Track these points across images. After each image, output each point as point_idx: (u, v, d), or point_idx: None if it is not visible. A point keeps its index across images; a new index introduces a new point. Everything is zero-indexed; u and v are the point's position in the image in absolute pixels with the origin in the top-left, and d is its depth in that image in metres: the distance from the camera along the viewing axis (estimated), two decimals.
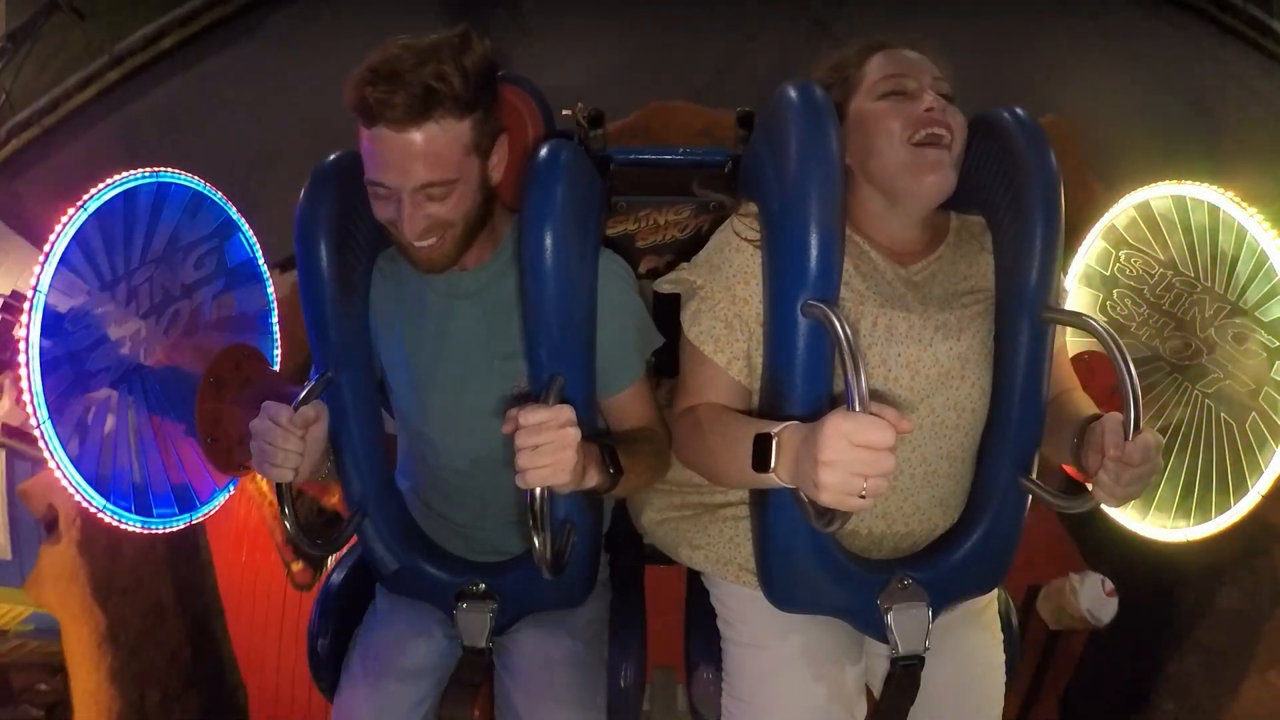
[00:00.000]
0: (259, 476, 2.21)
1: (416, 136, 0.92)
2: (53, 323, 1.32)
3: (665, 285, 1.12)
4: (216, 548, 2.26)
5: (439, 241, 1.00)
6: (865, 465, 0.74)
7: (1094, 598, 1.99)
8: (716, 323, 1.04)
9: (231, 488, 1.70)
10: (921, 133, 0.98)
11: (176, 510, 1.54)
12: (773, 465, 0.84)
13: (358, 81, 0.91)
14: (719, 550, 1.16)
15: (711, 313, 1.04)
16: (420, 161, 0.93)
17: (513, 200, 1.09)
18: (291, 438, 0.95)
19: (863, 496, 0.75)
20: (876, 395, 1.00)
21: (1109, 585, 2.00)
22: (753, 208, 1.05)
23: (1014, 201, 1.00)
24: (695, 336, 1.05)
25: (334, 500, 2.23)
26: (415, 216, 0.96)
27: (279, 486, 0.98)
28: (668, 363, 1.20)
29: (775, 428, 0.85)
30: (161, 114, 3.86)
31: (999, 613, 1.21)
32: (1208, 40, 4.00)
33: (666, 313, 1.16)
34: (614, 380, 1.13)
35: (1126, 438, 0.89)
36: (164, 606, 1.95)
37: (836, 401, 0.96)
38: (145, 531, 1.47)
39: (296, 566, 2.17)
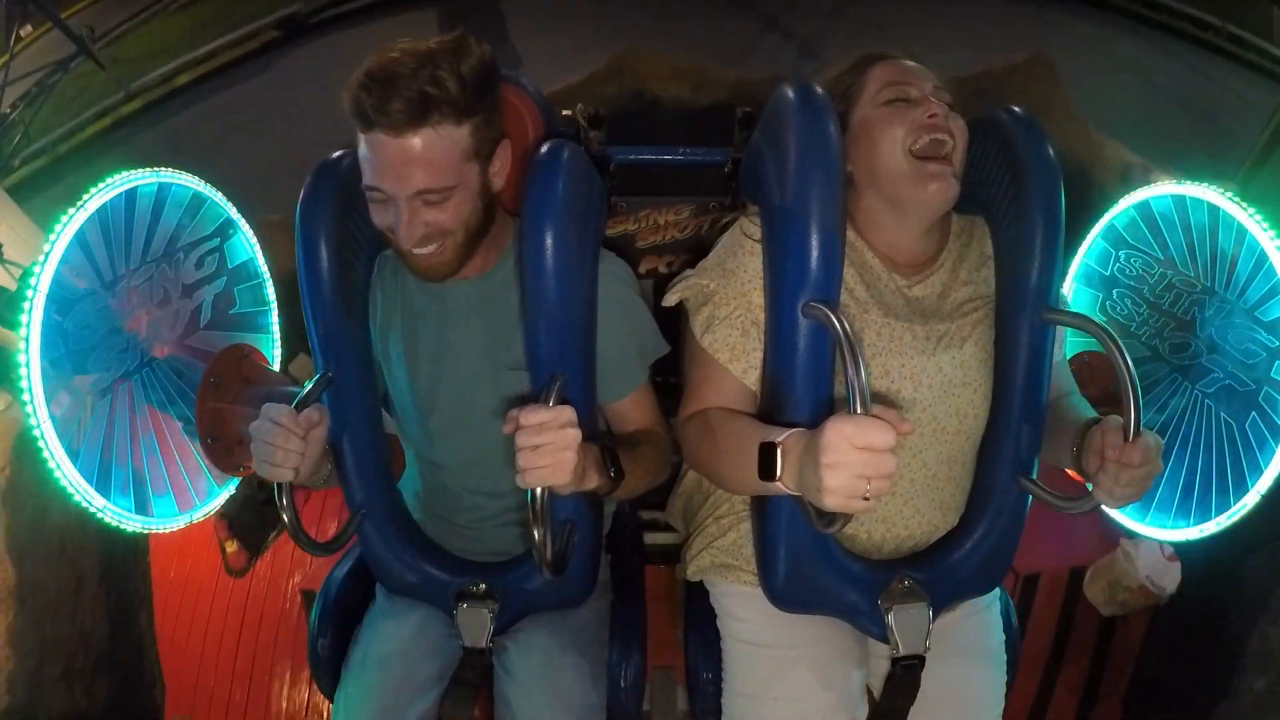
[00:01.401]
0: None
1: (413, 142, 0.91)
2: (54, 323, 1.32)
3: (673, 295, 1.10)
4: (154, 534, 2.22)
5: (438, 249, 0.99)
6: (867, 467, 0.74)
7: (1153, 563, 1.77)
8: (732, 331, 1.03)
9: (232, 487, 1.70)
10: (925, 139, 0.98)
11: (176, 509, 1.54)
12: (778, 474, 0.83)
13: (354, 86, 0.90)
14: (715, 556, 1.16)
15: (727, 320, 1.03)
16: (417, 167, 0.92)
17: (514, 205, 1.08)
18: (293, 438, 0.95)
19: (866, 498, 0.75)
20: (877, 397, 1.00)
21: (1168, 549, 1.78)
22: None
23: (1014, 201, 1.00)
24: (709, 344, 1.04)
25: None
26: (413, 223, 0.95)
27: (278, 486, 0.97)
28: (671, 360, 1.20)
29: (779, 436, 0.84)
30: (172, 141, 3.98)
31: (1000, 613, 1.21)
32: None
33: (664, 315, 1.16)
34: (616, 386, 1.12)
35: (1127, 439, 0.89)
36: (84, 581, 1.85)
37: (838, 403, 0.96)
38: (145, 531, 1.47)
39: (231, 548, 2.12)
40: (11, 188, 2.77)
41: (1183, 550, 1.76)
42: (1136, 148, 2.35)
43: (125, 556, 2.04)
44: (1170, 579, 1.77)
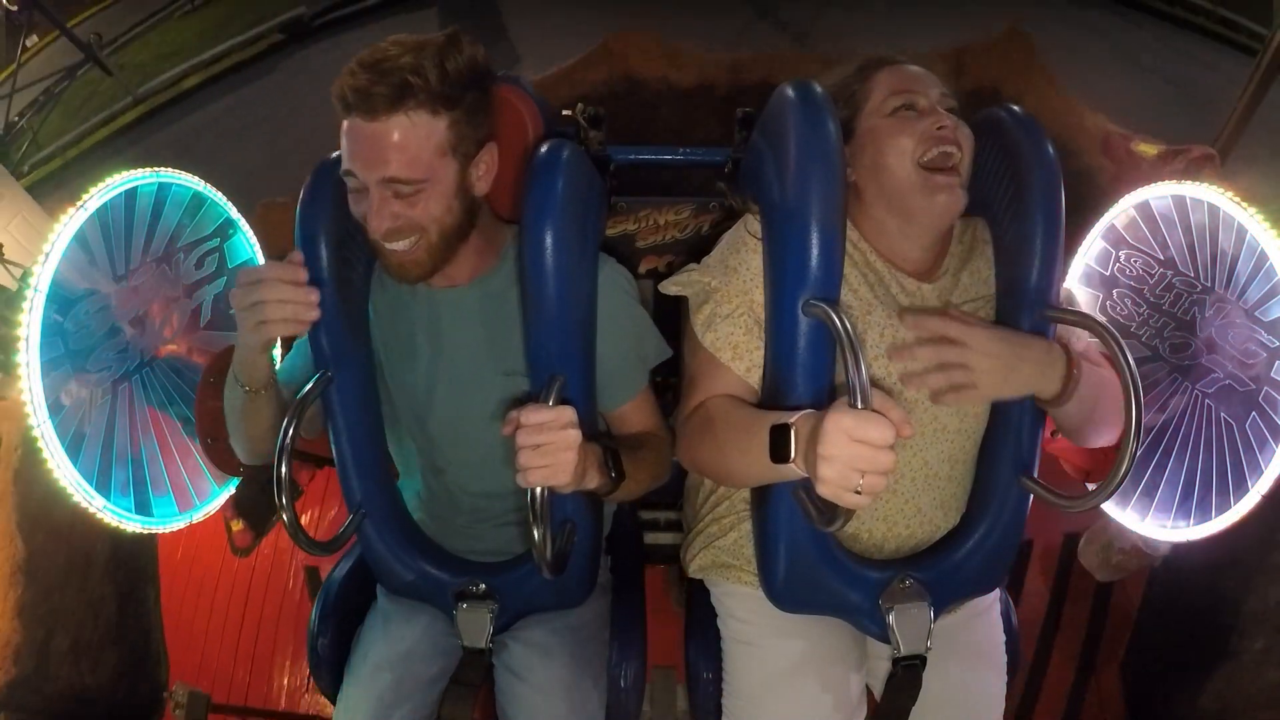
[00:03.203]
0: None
1: (387, 126, 0.91)
2: (53, 323, 1.32)
3: (673, 287, 1.09)
4: None
5: (410, 248, 0.98)
6: (863, 461, 0.74)
7: None
8: (735, 329, 1.02)
9: (232, 487, 1.70)
10: (934, 151, 0.97)
11: (176, 509, 1.54)
12: (793, 455, 0.83)
13: (343, 73, 0.92)
14: (715, 556, 1.16)
15: (730, 319, 1.02)
16: (389, 153, 0.91)
17: (512, 210, 1.08)
18: (284, 287, 0.94)
19: (859, 493, 0.75)
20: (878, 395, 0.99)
21: None
22: None
23: (1014, 201, 1.00)
24: (712, 343, 1.03)
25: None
26: (382, 212, 0.94)
27: (277, 484, 0.96)
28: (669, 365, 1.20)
29: (791, 418, 0.84)
30: (180, 144, 4.02)
31: (1000, 613, 1.21)
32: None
33: (664, 315, 1.16)
34: (618, 394, 1.12)
35: (1128, 438, 0.89)
36: (94, 558, 1.87)
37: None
38: (145, 531, 1.47)
39: (237, 526, 2.12)
40: None
41: None
42: (1118, 121, 2.33)
43: (135, 534, 2.08)
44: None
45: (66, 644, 1.76)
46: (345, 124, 0.93)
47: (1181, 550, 1.65)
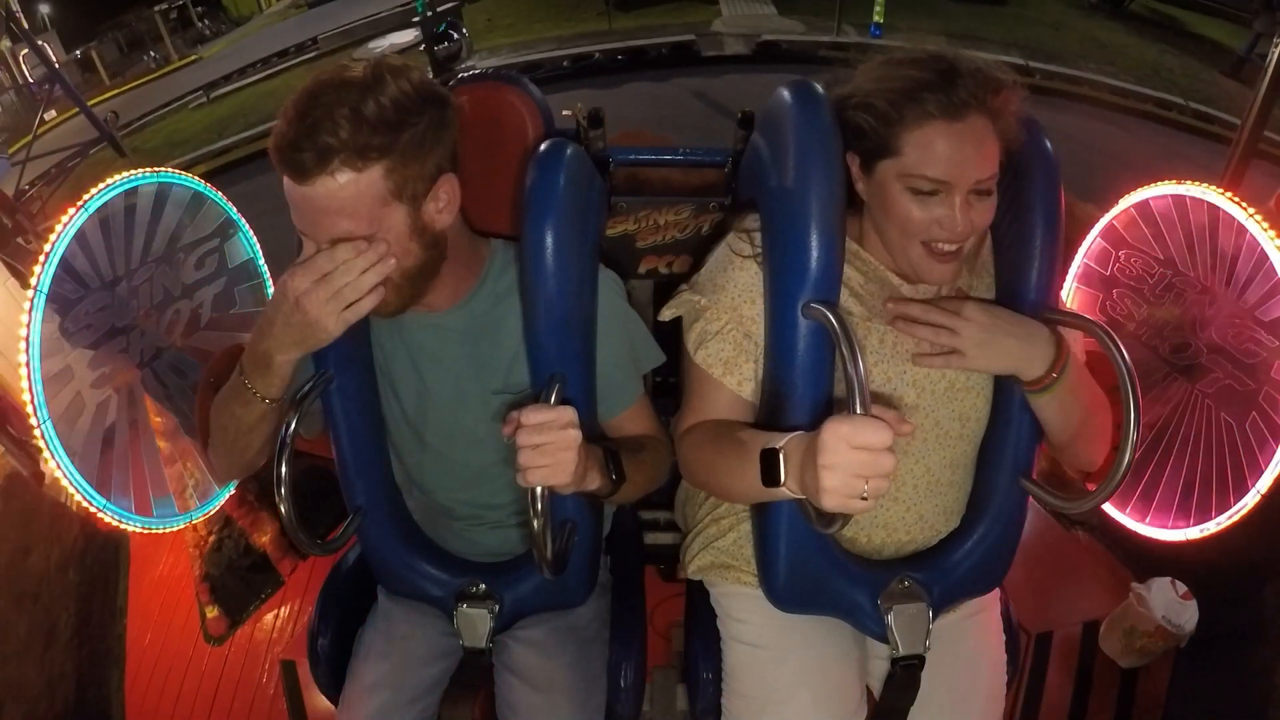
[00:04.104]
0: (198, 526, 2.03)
1: (316, 191, 0.84)
2: (54, 323, 1.32)
3: (668, 312, 1.10)
4: (134, 593, 2.13)
5: (374, 293, 0.91)
6: (865, 467, 0.74)
7: (1167, 602, 1.70)
8: (725, 345, 1.02)
9: (232, 487, 1.70)
10: (939, 244, 0.94)
11: (176, 510, 1.55)
12: (782, 479, 0.83)
13: (278, 115, 0.86)
14: (715, 556, 1.16)
15: (720, 335, 1.02)
16: (325, 216, 0.86)
17: (513, 197, 1.07)
18: (359, 261, 0.86)
19: (864, 498, 0.75)
20: (878, 398, 1.00)
21: (1181, 587, 1.72)
22: (749, 221, 1.04)
23: (1014, 203, 1.00)
24: (703, 360, 1.03)
25: (264, 540, 2.11)
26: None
27: (278, 482, 0.96)
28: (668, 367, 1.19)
29: (780, 441, 0.84)
30: None
31: (999, 613, 1.21)
32: None
33: (662, 331, 1.16)
34: (615, 403, 1.11)
35: (1127, 438, 0.89)
36: (58, 631, 1.78)
37: (838, 403, 0.96)
38: (145, 531, 1.47)
39: (212, 613, 2.02)
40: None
41: (1196, 586, 1.72)
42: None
43: (103, 612, 1.97)
44: (1188, 616, 1.71)
45: (19, 716, 1.67)
46: (285, 184, 0.87)
47: (1205, 625, 1.65)
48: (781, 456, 0.83)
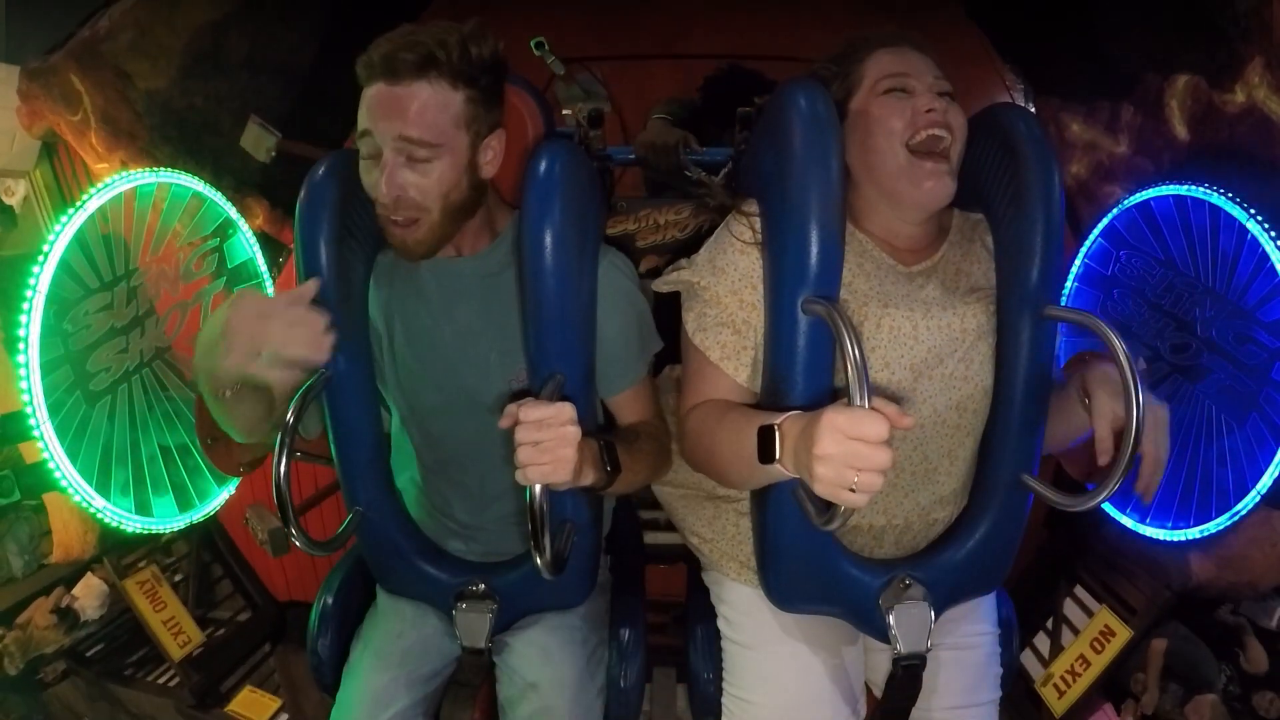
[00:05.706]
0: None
1: (410, 90, 0.95)
2: (53, 323, 1.32)
3: (664, 285, 1.11)
4: None
5: (414, 226, 1.00)
6: (858, 459, 0.74)
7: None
8: (724, 329, 1.03)
9: (232, 487, 1.70)
10: (922, 134, 0.98)
11: (176, 510, 1.54)
12: (777, 455, 0.84)
13: (372, 46, 0.96)
14: (723, 546, 1.16)
15: (719, 319, 1.03)
16: (411, 113, 0.95)
17: (513, 195, 1.08)
18: (297, 311, 0.90)
19: (854, 490, 0.75)
20: (879, 391, 0.99)
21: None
22: (752, 206, 1.05)
23: (1014, 199, 1.00)
24: (702, 343, 1.04)
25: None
26: (394, 178, 0.97)
27: (276, 476, 0.96)
28: (667, 353, 1.19)
29: (778, 419, 0.85)
30: None
31: (1000, 614, 1.20)
32: None
33: (663, 307, 1.16)
34: (616, 381, 1.12)
35: (1129, 437, 0.88)
36: None
37: (838, 396, 0.96)
38: (145, 531, 1.47)
39: None
40: None
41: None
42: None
43: None
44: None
45: None
46: (367, 92, 0.97)
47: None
48: (778, 434, 0.84)
